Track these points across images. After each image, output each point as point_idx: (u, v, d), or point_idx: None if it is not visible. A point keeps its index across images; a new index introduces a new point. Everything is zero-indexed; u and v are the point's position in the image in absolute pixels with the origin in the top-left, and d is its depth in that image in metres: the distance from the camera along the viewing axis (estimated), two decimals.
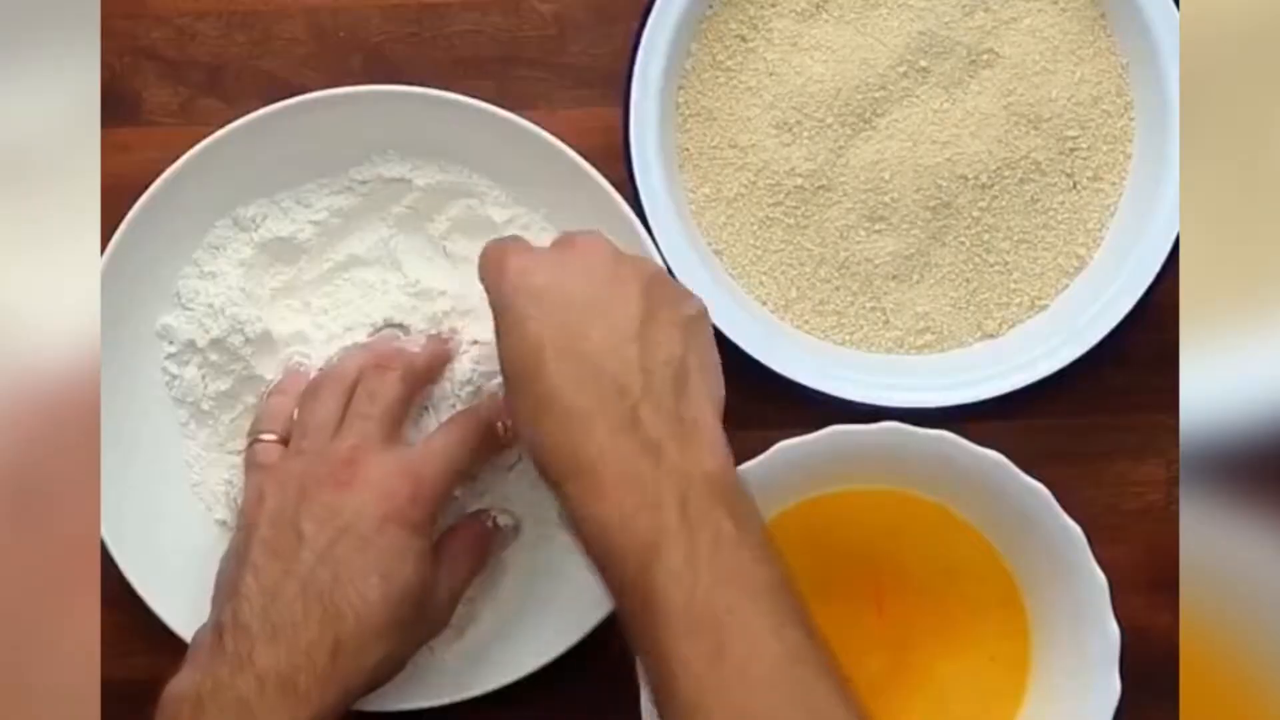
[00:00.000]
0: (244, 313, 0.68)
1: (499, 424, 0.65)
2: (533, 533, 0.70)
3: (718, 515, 0.53)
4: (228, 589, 0.61)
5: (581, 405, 0.54)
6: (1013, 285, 0.72)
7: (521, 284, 0.57)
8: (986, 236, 0.71)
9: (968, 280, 0.72)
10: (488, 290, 0.60)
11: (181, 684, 0.59)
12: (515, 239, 0.63)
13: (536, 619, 0.69)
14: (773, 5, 0.71)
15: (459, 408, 0.67)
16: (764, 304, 0.71)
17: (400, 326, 0.68)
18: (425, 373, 0.67)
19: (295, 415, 0.66)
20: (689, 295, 0.60)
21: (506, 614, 0.70)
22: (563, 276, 0.57)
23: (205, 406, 0.69)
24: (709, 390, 0.57)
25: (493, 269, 0.59)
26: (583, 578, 0.69)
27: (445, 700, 0.67)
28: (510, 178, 0.70)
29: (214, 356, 0.69)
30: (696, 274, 0.68)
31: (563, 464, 0.54)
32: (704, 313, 0.59)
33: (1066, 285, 0.72)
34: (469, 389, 0.67)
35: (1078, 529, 0.65)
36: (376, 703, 0.67)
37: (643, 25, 0.69)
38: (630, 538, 0.53)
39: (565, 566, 0.70)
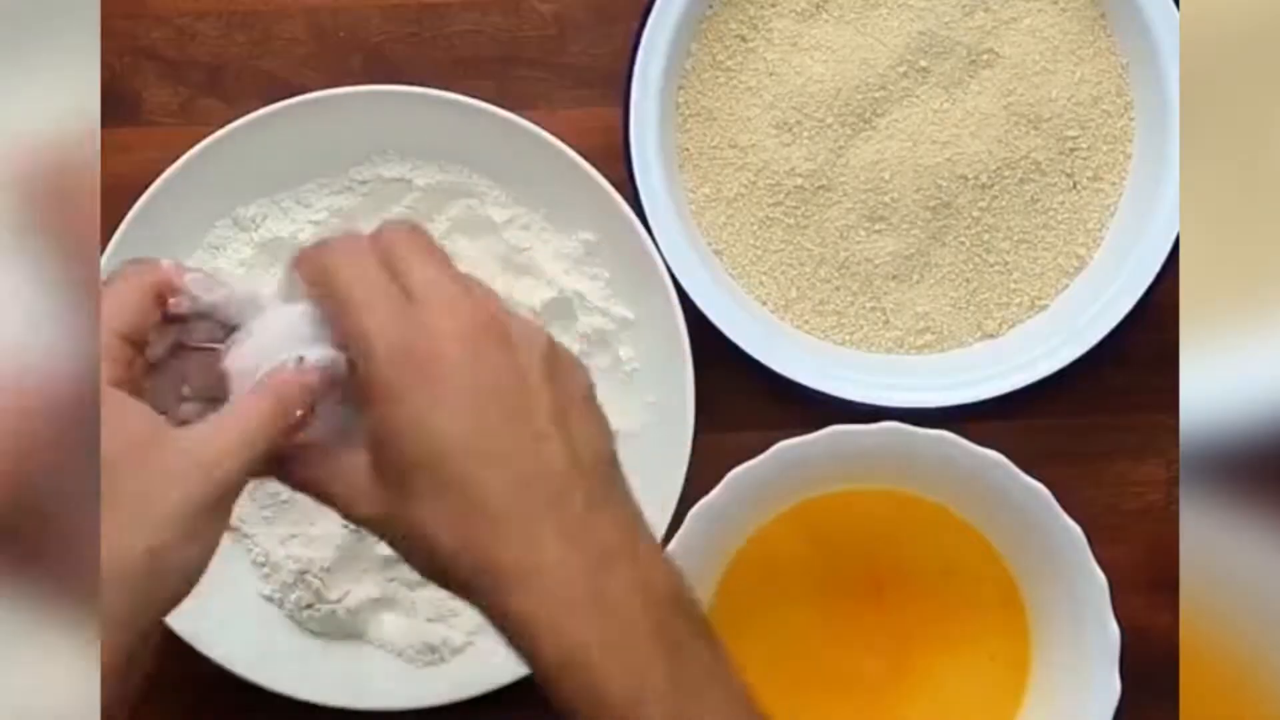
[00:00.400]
0: None
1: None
2: None
3: (699, 645, 0.48)
4: None
5: (517, 511, 0.47)
6: (1013, 285, 0.72)
7: (420, 371, 0.48)
8: (986, 236, 0.71)
9: (968, 280, 0.72)
10: (341, 319, 0.49)
11: None
12: (343, 242, 0.51)
13: None
14: (773, 5, 0.71)
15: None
16: (764, 304, 0.71)
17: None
18: None
19: None
20: (579, 364, 0.52)
21: None
22: (462, 368, 0.48)
23: None
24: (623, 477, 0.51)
25: (345, 309, 0.49)
26: None
27: (445, 700, 0.67)
28: (510, 178, 0.70)
29: None
30: (696, 274, 0.68)
31: (496, 573, 0.47)
32: (593, 384, 0.52)
33: (1066, 285, 0.72)
34: None
35: (1078, 529, 0.65)
36: (377, 702, 0.68)
37: (643, 25, 0.69)
38: (609, 675, 0.47)
39: None
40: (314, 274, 0.51)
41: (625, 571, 0.47)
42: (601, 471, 0.49)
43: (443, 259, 0.51)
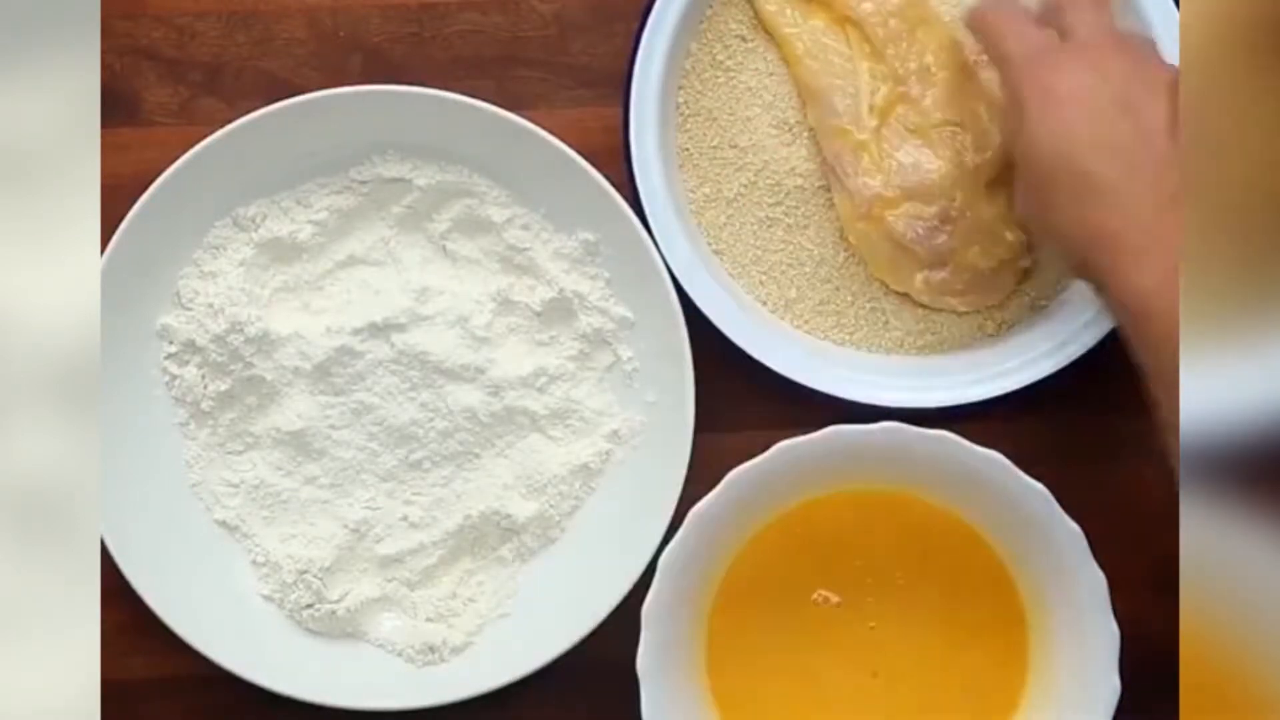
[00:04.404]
0: (244, 313, 0.68)
1: None
2: (535, 535, 0.70)
3: None
4: None
5: (1124, 188, 0.58)
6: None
7: (1048, 90, 0.60)
8: None
9: None
10: (1000, 69, 0.63)
11: None
12: (1009, 7, 0.65)
13: (537, 620, 0.69)
14: None
15: None
16: (764, 304, 0.71)
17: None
18: None
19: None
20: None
21: (507, 615, 0.70)
22: (1086, 81, 0.60)
23: (205, 406, 0.69)
24: None
25: (1007, 58, 0.62)
26: (583, 579, 0.69)
27: (445, 700, 0.67)
28: (510, 178, 0.70)
29: (214, 356, 0.69)
30: (696, 274, 0.68)
31: (1103, 241, 0.58)
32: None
33: (1066, 285, 0.72)
34: None
35: (1078, 529, 0.65)
36: (377, 702, 0.68)
37: (643, 25, 0.69)
38: (1168, 301, 0.56)
39: (566, 568, 0.70)
40: (980, 32, 0.65)
41: None
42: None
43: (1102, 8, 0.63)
